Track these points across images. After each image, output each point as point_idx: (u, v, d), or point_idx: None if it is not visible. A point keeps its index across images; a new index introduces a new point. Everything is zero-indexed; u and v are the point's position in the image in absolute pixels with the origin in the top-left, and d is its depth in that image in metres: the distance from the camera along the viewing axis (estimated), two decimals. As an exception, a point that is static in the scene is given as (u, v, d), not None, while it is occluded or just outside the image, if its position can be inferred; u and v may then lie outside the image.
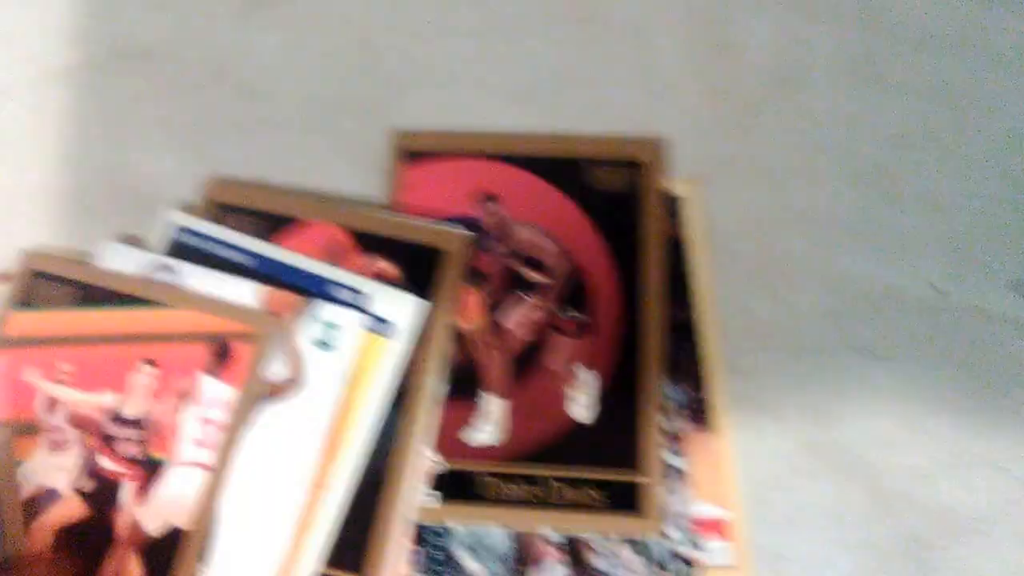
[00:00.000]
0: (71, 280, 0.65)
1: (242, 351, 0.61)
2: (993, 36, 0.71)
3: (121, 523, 0.60)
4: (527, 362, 0.65)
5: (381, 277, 0.64)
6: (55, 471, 0.62)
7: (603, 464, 0.62)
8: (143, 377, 0.62)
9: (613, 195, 0.68)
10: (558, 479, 0.62)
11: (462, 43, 0.73)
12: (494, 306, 0.66)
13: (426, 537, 0.61)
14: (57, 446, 0.62)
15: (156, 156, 0.70)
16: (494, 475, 0.62)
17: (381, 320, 0.63)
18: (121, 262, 0.66)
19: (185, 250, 0.66)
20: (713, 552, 0.61)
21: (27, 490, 0.62)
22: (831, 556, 0.61)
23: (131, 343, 0.63)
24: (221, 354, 0.62)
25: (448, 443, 0.63)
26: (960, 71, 0.70)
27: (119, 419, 0.62)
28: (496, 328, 0.65)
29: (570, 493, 0.62)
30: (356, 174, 0.69)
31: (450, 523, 0.61)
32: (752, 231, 0.68)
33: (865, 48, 0.71)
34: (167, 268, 0.65)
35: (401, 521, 0.60)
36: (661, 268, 0.66)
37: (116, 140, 0.72)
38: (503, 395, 0.64)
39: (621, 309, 0.65)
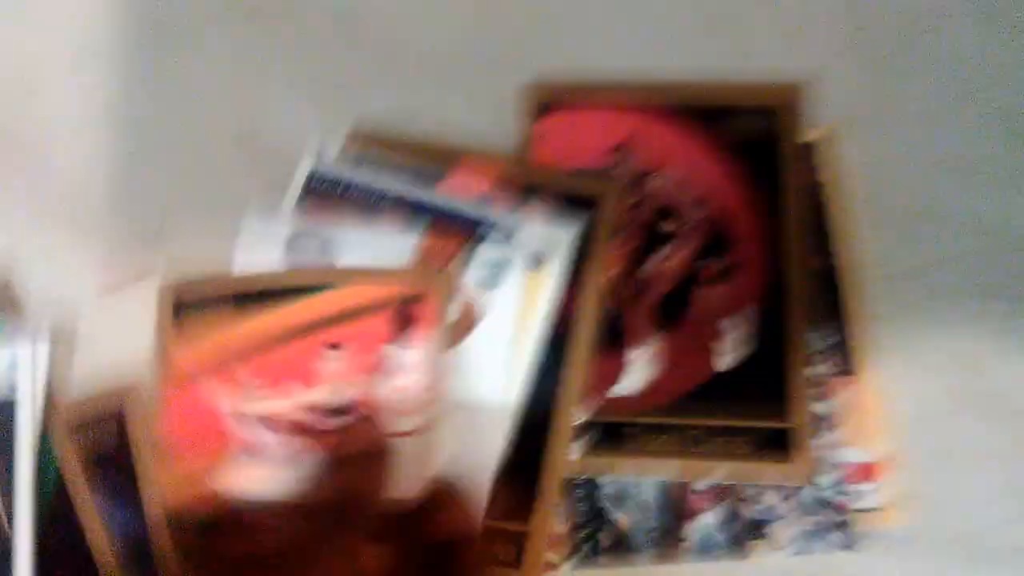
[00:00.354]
0: (223, 297, 0.63)
1: (421, 312, 0.61)
2: None
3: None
4: (671, 311, 0.64)
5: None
6: (273, 484, 0.61)
7: (750, 411, 0.62)
8: (333, 363, 0.61)
9: (753, 141, 0.66)
10: (705, 428, 0.62)
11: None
12: (632, 257, 0.65)
13: (571, 491, 0.62)
14: (275, 461, 0.61)
15: (286, 115, 0.70)
16: (641, 424, 0.63)
17: (538, 257, 0.63)
18: (263, 235, 0.65)
19: (328, 201, 0.66)
20: (863, 496, 0.61)
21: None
22: (981, 499, 0.61)
23: (307, 334, 0.61)
24: (402, 320, 0.61)
25: (594, 394, 0.63)
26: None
27: (326, 411, 0.61)
28: (635, 279, 0.65)
29: (717, 441, 0.62)
30: (487, 127, 0.68)
31: (597, 475, 0.62)
32: (895, 177, 0.66)
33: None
34: (313, 234, 0.65)
35: (562, 470, 0.61)
36: (804, 214, 0.65)
37: (242, 102, 0.71)
38: (644, 346, 0.64)
39: (764, 256, 0.64)
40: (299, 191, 0.66)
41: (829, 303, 0.64)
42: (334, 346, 0.61)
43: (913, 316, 0.65)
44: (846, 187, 0.66)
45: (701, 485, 0.62)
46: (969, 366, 0.63)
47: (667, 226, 0.66)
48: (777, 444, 0.62)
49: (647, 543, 0.61)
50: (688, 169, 0.66)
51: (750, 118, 0.67)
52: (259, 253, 0.65)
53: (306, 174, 0.67)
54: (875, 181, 0.66)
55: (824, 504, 0.61)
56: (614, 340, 0.64)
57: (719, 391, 0.63)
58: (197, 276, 0.63)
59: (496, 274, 0.63)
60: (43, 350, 0.63)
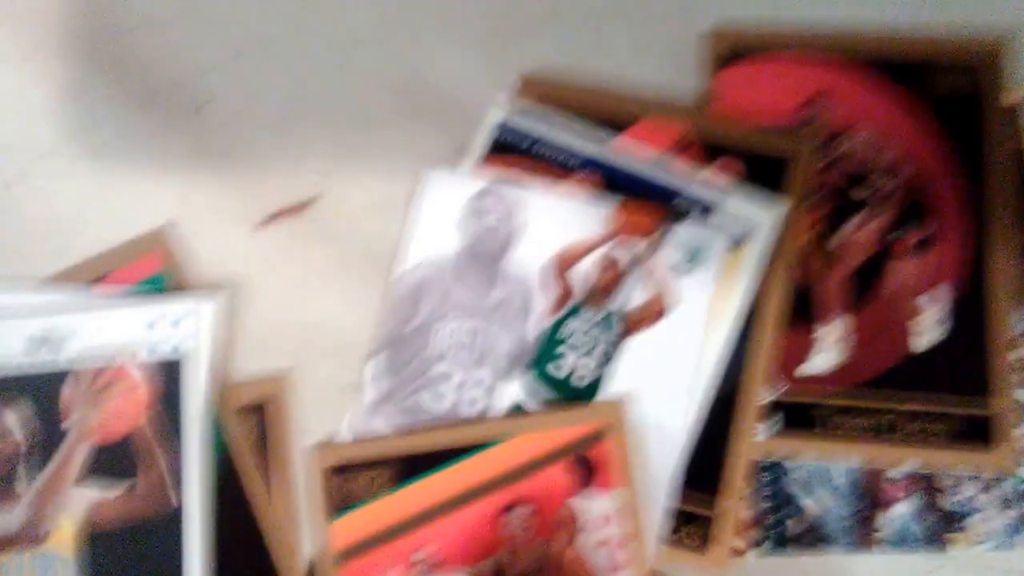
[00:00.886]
0: (383, 461, 0.56)
1: (603, 452, 0.56)
2: None
3: None
4: (863, 285, 0.60)
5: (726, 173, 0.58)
6: None
7: (950, 394, 0.58)
8: (516, 522, 0.55)
9: (954, 102, 0.61)
10: (900, 410, 0.58)
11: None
12: (824, 224, 0.60)
13: (758, 475, 0.58)
14: None
15: (449, 65, 0.64)
16: (830, 406, 0.58)
17: (738, 236, 0.58)
18: (447, 189, 0.59)
19: (514, 157, 0.60)
20: (1073, 491, 0.57)
21: None
22: None
23: (481, 497, 0.55)
24: (582, 467, 0.56)
25: (780, 373, 0.59)
26: None
27: None
28: (825, 250, 0.60)
29: (914, 425, 0.58)
30: (665, 76, 0.63)
31: (785, 458, 0.58)
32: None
33: None
34: (499, 193, 0.59)
35: (748, 453, 0.57)
36: (1009, 183, 0.59)
37: (404, 49, 0.65)
38: (839, 320, 0.59)
39: (966, 225, 0.59)
40: (486, 143, 0.61)
41: (1037, 280, 0.59)
42: (511, 507, 0.55)
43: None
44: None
45: (896, 473, 0.57)
46: None
47: (860, 193, 0.60)
48: (977, 431, 0.58)
49: (838, 532, 0.57)
50: (883, 130, 0.61)
51: (951, 76, 0.61)
52: (439, 209, 0.60)
53: (495, 125, 0.61)
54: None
55: (1028, 496, 0.57)
56: (802, 315, 0.59)
57: (914, 373, 0.58)
58: (357, 441, 0.57)
59: (694, 258, 0.58)
60: (210, 309, 0.58)
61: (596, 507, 0.55)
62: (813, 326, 0.59)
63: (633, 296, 0.57)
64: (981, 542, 0.57)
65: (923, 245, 0.60)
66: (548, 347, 0.57)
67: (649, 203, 0.59)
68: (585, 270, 0.58)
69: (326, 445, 0.57)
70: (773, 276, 0.58)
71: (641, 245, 0.57)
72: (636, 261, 0.57)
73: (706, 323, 0.57)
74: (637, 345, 0.57)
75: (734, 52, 0.62)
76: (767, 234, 0.58)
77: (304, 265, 0.61)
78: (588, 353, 0.57)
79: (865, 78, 0.61)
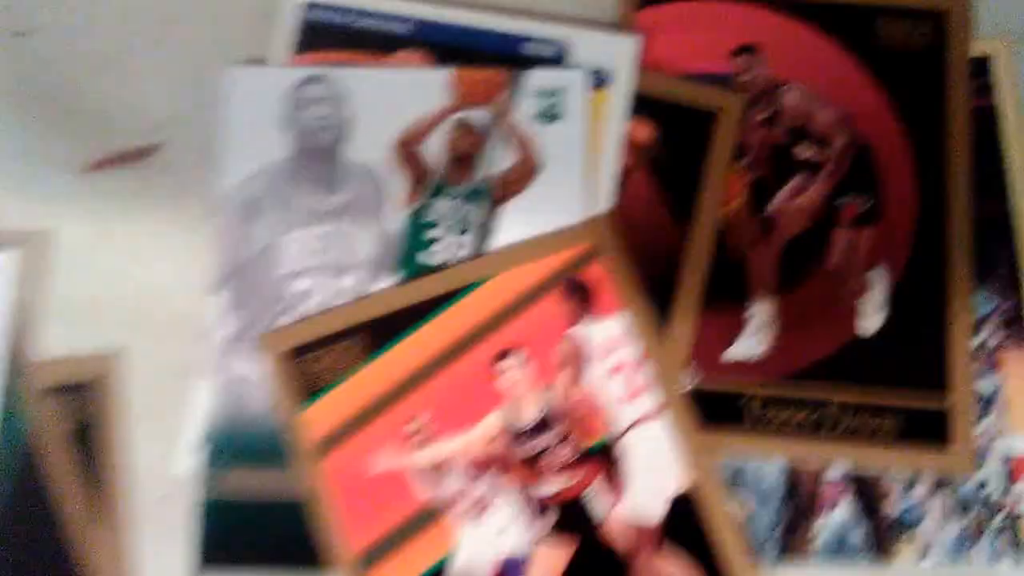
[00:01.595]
0: (347, 332, 0.50)
1: (595, 272, 0.50)
2: None
3: (618, 536, 0.48)
4: (800, 259, 0.52)
5: (634, 143, 0.51)
6: (497, 540, 0.49)
7: (898, 384, 0.50)
8: (512, 372, 0.49)
9: (908, 53, 0.53)
10: (841, 403, 0.50)
11: None
12: (757, 189, 0.52)
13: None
14: (477, 512, 0.49)
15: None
16: (760, 397, 0.50)
17: (601, 74, 0.52)
18: (253, 91, 0.53)
19: (322, 36, 0.54)
20: (1037, 497, 0.49)
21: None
22: None
23: (468, 349, 0.50)
24: (577, 292, 0.50)
25: (705, 358, 0.51)
26: None
27: (522, 434, 0.49)
28: (761, 217, 0.52)
29: (856, 419, 0.50)
30: (577, 16, 0.55)
31: (711, 454, 0.50)
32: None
33: None
34: (322, 80, 0.52)
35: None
36: (967, 144, 0.52)
37: None
38: (770, 298, 0.51)
39: (917, 193, 0.52)
40: (293, 30, 0.53)
41: (999, 257, 0.52)
42: (504, 354, 0.50)
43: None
44: (1022, 114, 0.53)
45: (835, 473, 0.50)
46: None
47: (802, 152, 0.53)
48: (930, 427, 0.50)
49: (765, 540, 0.49)
50: (830, 82, 0.53)
51: (905, 23, 0.54)
52: (253, 111, 0.52)
53: (300, 6, 0.54)
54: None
55: (985, 503, 0.49)
56: (732, 292, 0.51)
57: (859, 361, 0.51)
58: (307, 318, 0.51)
59: (555, 106, 0.51)
60: (8, 261, 0.50)
61: (600, 333, 0.49)
62: (744, 304, 0.51)
63: (497, 161, 0.51)
64: (930, 554, 0.49)
65: (872, 214, 0.52)
66: (415, 236, 0.51)
67: (490, 62, 0.52)
68: (438, 144, 0.52)
69: (277, 329, 0.50)
70: (693, 240, 0.51)
71: (495, 104, 0.51)
72: (492, 122, 0.51)
73: (581, 174, 0.51)
74: (514, 213, 0.51)
75: (652, -7, 0.54)
76: (627, 69, 0.52)
77: (138, 223, 0.52)
78: (462, 232, 0.51)
79: (808, 26, 0.54)
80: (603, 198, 0.52)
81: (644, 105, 0.52)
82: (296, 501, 0.49)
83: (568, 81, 0.52)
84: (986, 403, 0.50)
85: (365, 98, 0.52)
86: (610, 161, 0.52)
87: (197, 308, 0.51)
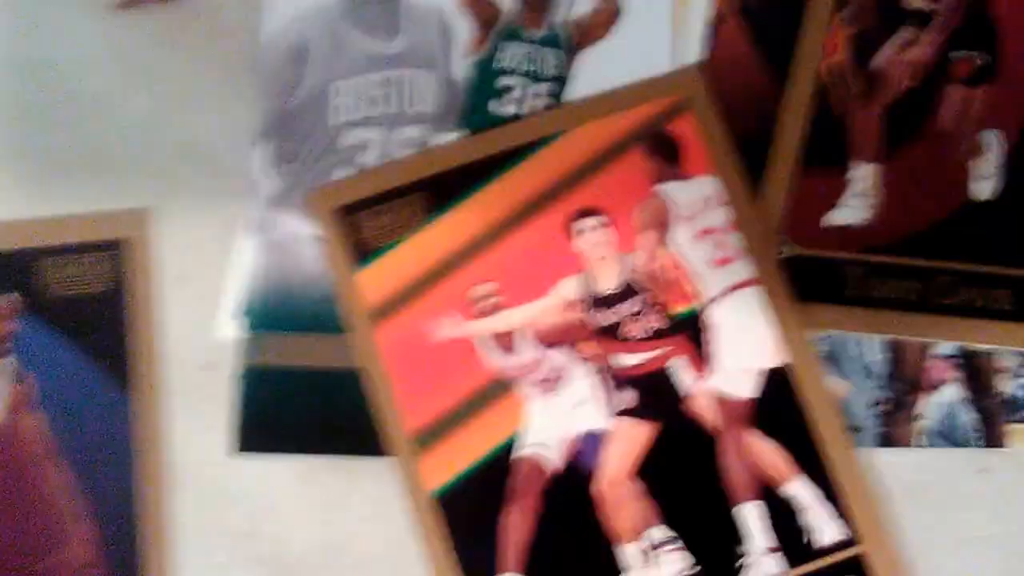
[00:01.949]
0: (407, 189, 0.45)
1: (683, 127, 0.45)
2: None
3: (704, 410, 0.45)
4: (908, 118, 0.47)
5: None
6: (573, 413, 0.45)
7: (1013, 255, 0.46)
8: (592, 235, 0.45)
9: None
10: (950, 273, 0.46)
11: None
12: (863, 41, 0.47)
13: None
14: (551, 384, 0.45)
15: None
16: (864, 265, 0.46)
17: None
18: None
19: None
20: None
21: (556, 456, 0.45)
22: None
23: (543, 209, 0.45)
24: (664, 148, 0.46)
25: (803, 225, 0.46)
26: None
27: (601, 302, 0.45)
28: (866, 72, 0.47)
29: (966, 292, 0.46)
30: None
31: (808, 328, 0.45)
32: None
33: None
34: None
35: None
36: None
37: None
38: (876, 160, 0.46)
39: (1047, 52, 0.47)
40: None
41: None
42: (586, 212, 0.45)
43: None
44: None
45: (945, 349, 0.45)
46: None
47: (911, 1, 0.48)
48: (1047, 300, 0.45)
49: (868, 421, 0.45)
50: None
51: None
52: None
53: None
54: None
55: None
56: (833, 153, 0.47)
57: (973, 228, 0.46)
58: (362, 172, 0.46)
59: None
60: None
61: (688, 193, 0.45)
62: (847, 165, 0.47)
63: (577, 2, 0.47)
64: (1046, 437, 0.45)
65: (987, 71, 0.47)
66: (485, 82, 0.47)
67: None
68: None
69: (329, 184, 0.46)
70: (790, 92, 0.46)
71: None
72: None
73: (668, 19, 0.47)
74: (594, 59, 0.47)
75: None
76: None
77: (172, 69, 0.47)
78: (537, 79, 0.46)
79: None
80: (692, 46, 0.47)
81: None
82: (347, 373, 0.45)
83: None
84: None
85: None
86: (701, 5, 0.46)
87: (239, 163, 0.46)
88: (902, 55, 0.48)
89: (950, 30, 0.48)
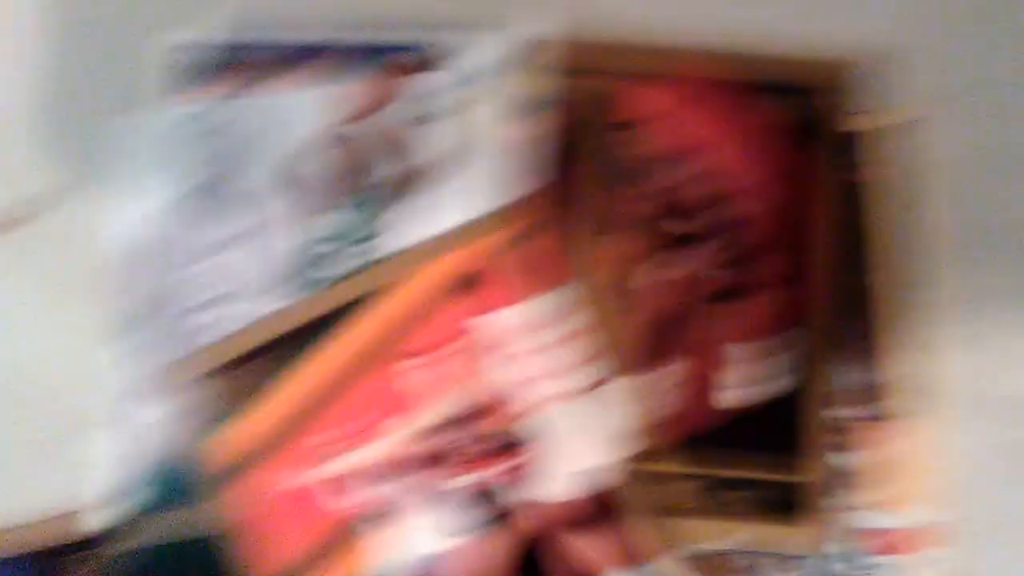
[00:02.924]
0: (247, 355, 0.52)
1: (492, 265, 0.52)
2: None
3: (537, 518, 0.50)
4: (666, 334, 0.53)
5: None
6: (416, 540, 0.50)
7: (755, 460, 0.52)
8: (416, 374, 0.51)
9: (785, 128, 0.54)
10: (700, 477, 0.52)
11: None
12: (629, 263, 0.54)
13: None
14: (394, 515, 0.50)
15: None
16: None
17: (476, 71, 0.54)
18: (137, 137, 0.54)
19: (198, 74, 0.55)
20: (888, 571, 0.51)
21: None
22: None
23: (374, 358, 0.51)
24: (474, 286, 0.51)
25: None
26: None
27: (431, 435, 0.51)
28: (629, 291, 0.54)
29: (714, 494, 0.52)
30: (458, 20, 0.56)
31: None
32: (965, 174, 0.54)
33: None
34: (199, 115, 0.53)
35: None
36: (840, 221, 0.53)
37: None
38: (635, 372, 0.53)
39: (783, 269, 0.53)
40: (171, 71, 0.55)
41: (863, 331, 0.53)
42: (412, 354, 0.51)
43: (972, 347, 0.53)
44: (898, 188, 0.54)
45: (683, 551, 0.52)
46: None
47: (676, 226, 0.54)
48: (783, 499, 0.51)
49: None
50: (706, 157, 0.54)
51: (784, 99, 0.55)
52: (139, 156, 0.54)
53: (176, 47, 0.55)
54: (937, 180, 0.53)
55: None
56: (601, 363, 0.53)
57: (720, 434, 0.52)
58: (208, 348, 0.52)
59: (434, 105, 0.53)
60: None
61: (503, 322, 0.51)
62: (607, 379, 0.53)
63: (385, 169, 0.53)
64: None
65: (742, 289, 0.53)
66: (310, 253, 0.53)
67: (369, 70, 0.53)
68: (327, 160, 0.53)
69: (180, 361, 0.52)
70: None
71: (380, 114, 0.53)
72: (378, 132, 0.53)
73: (471, 166, 0.53)
74: (406, 216, 0.53)
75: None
76: (501, 63, 0.53)
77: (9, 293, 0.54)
78: (354, 242, 0.53)
79: (681, 101, 0.55)
80: (492, 197, 0.53)
81: (522, 107, 0.54)
82: (209, 538, 0.50)
83: (447, 85, 0.53)
84: (840, 476, 0.52)
85: (247, 127, 0.54)
86: (495, 159, 0.53)
87: (75, 380, 0.53)
88: (663, 277, 0.54)
89: (705, 255, 0.54)
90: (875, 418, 0.52)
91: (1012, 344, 0.53)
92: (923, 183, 0.54)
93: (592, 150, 0.54)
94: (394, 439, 0.50)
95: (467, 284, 0.52)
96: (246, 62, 0.55)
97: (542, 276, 0.52)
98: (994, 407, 0.53)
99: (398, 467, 0.50)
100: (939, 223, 0.54)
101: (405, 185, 0.53)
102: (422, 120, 0.53)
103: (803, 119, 0.54)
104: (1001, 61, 0.55)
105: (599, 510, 0.50)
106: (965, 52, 0.55)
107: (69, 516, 0.52)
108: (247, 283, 0.53)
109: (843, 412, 0.52)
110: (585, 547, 0.49)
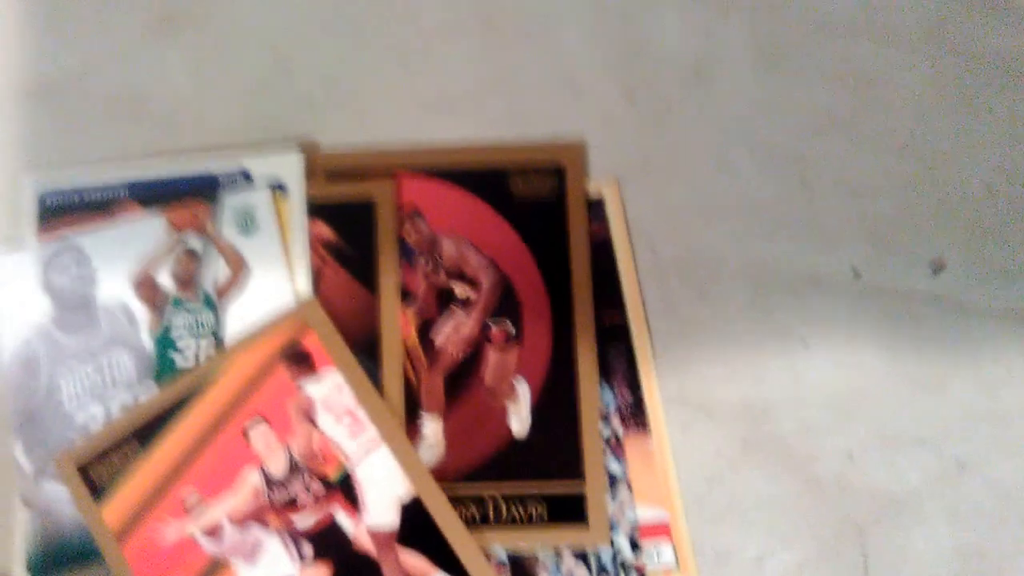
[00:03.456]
0: (123, 438, 0.62)
1: (311, 341, 0.63)
2: (886, 15, 0.72)
3: (367, 545, 0.60)
4: (462, 378, 0.64)
5: (324, 242, 0.65)
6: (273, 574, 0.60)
7: (546, 476, 0.62)
8: (259, 436, 0.61)
9: (537, 201, 0.67)
10: (502, 496, 0.61)
11: (375, 57, 0.71)
12: (426, 324, 0.64)
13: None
14: (253, 556, 0.60)
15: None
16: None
17: (279, 183, 0.66)
18: (11, 272, 0.65)
19: (58, 213, 0.67)
20: (657, 555, 0.61)
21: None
22: (773, 548, 0.62)
23: (223, 425, 0.62)
24: (299, 358, 0.63)
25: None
26: (861, 52, 0.71)
27: (277, 482, 0.61)
28: (428, 346, 0.64)
29: (515, 509, 0.61)
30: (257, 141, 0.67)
31: (395, 549, 0.60)
32: (673, 227, 0.68)
33: (771, 37, 0.71)
34: (68, 248, 0.65)
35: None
36: (588, 271, 0.65)
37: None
38: (439, 414, 0.63)
39: (551, 315, 0.65)
40: (35, 212, 0.66)
41: (619, 359, 0.65)
42: (251, 422, 0.62)
43: (700, 364, 0.65)
44: (627, 241, 0.67)
45: (500, 554, 0.61)
46: (752, 414, 0.65)
47: (458, 291, 0.65)
48: (574, 508, 0.62)
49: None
50: (477, 232, 0.66)
51: (533, 178, 0.67)
52: (15, 288, 0.65)
53: (39, 193, 0.67)
54: (654, 233, 0.67)
55: (621, 566, 0.61)
56: (410, 410, 0.63)
57: (516, 457, 0.63)
58: (90, 435, 0.63)
59: (249, 217, 0.65)
60: None
61: (323, 386, 0.62)
62: (420, 420, 0.63)
63: (216, 273, 0.64)
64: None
65: (513, 337, 0.64)
66: (165, 349, 0.64)
67: (194, 197, 0.66)
68: (169, 271, 0.65)
69: (67, 450, 0.62)
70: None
71: (204, 230, 0.65)
72: (205, 245, 0.65)
73: (286, 262, 0.65)
74: (239, 309, 0.64)
75: (332, 174, 0.67)
76: (297, 181, 0.66)
77: None
78: (201, 336, 0.64)
79: (456, 188, 0.67)
80: (306, 286, 0.64)
81: (322, 210, 0.66)
82: None
83: (257, 199, 0.65)
84: (615, 482, 0.62)
85: (103, 252, 0.65)
86: (304, 255, 0.65)
87: None
88: (454, 332, 0.65)
89: (486, 311, 0.65)
90: (637, 430, 0.64)
91: (731, 360, 0.66)
92: (637, 235, 0.67)
93: (387, 234, 0.65)
94: (248, 491, 0.61)
95: (296, 356, 0.63)
96: (94, 199, 0.66)
97: (355, 343, 0.63)
98: (726, 411, 0.65)
99: (254, 514, 0.60)
100: (656, 265, 0.67)
101: (236, 285, 0.64)
102: (242, 229, 0.65)
103: (554, 192, 0.67)
104: (661, 147, 0.70)
105: (421, 529, 0.60)
106: (640, 141, 0.70)
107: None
108: (124, 376, 0.64)
109: (612, 427, 0.64)
110: (413, 560, 0.59)
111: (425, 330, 0.64)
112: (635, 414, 0.64)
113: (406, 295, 0.64)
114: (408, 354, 0.64)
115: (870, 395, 0.65)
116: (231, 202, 0.65)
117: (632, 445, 0.63)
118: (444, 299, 0.65)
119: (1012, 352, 0.66)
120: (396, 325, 0.63)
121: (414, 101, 0.69)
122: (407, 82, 0.70)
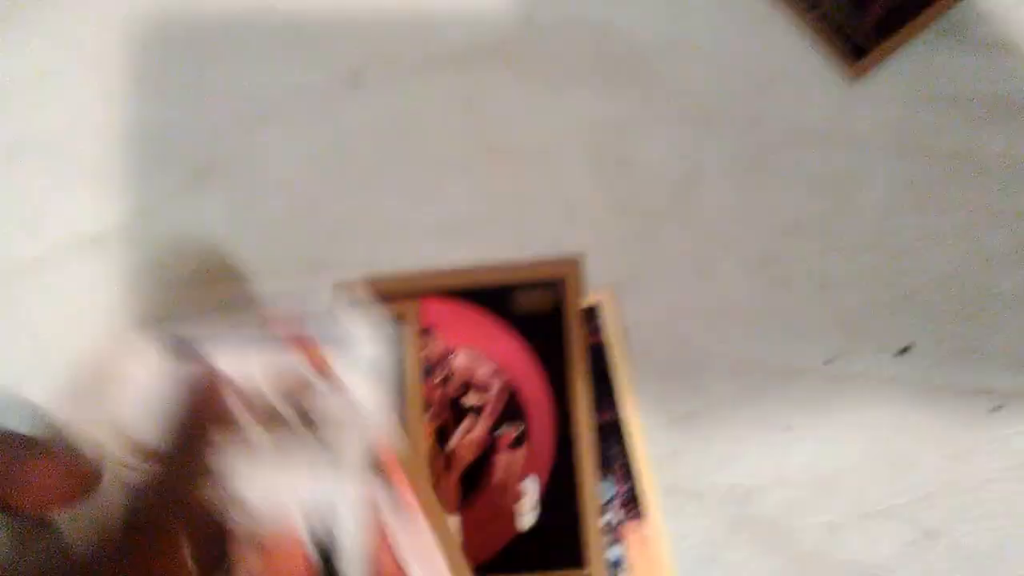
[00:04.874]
0: None
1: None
2: (850, 123, 0.78)
3: None
4: (474, 479, 0.72)
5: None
6: None
7: (551, 567, 0.70)
8: None
9: (539, 312, 0.75)
10: (505, 587, 0.70)
11: (388, 192, 0.79)
12: (440, 433, 0.73)
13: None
14: None
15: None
16: (455, 587, 0.70)
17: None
18: None
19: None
20: (656, 632, 0.69)
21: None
22: (760, 619, 0.70)
23: None
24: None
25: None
26: (832, 157, 0.77)
27: None
28: (444, 453, 0.73)
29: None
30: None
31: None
32: (662, 330, 0.75)
33: (749, 148, 0.78)
34: None
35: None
36: (586, 375, 0.73)
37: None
38: (454, 514, 0.71)
39: (554, 417, 0.73)
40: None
41: (616, 453, 0.73)
42: None
43: (692, 454, 0.73)
44: (621, 345, 0.74)
45: (513, 638, 0.69)
46: (740, 497, 0.72)
47: (468, 400, 0.73)
48: (578, 593, 0.70)
49: None
50: (484, 344, 0.74)
51: (534, 292, 0.75)
52: None
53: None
54: (646, 337, 0.75)
55: (623, 641, 0.69)
56: (428, 512, 0.71)
57: (523, 550, 0.70)
58: None
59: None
60: None
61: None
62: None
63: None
64: None
65: (522, 438, 0.73)
66: None
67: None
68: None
69: None
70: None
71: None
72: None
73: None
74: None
75: (352, 304, 0.75)
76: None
77: None
78: None
79: (459, 306, 0.75)
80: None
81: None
82: None
83: (368, 349, 0.64)
84: (615, 567, 0.71)
85: None
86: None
87: None
88: (465, 438, 0.74)
89: (495, 416, 0.74)
90: (635, 517, 0.72)
91: (719, 447, 0.74)
92: (630, 339, 0.75)
93: (413, 354, 0.73)
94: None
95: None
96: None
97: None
98: (716, 496, 0.73)
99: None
100: (649, 364, 0.75)
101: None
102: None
103: (554, 302, 0.75)
104: (651, 256, 0.77)
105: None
106: (631, 251, 0.77)
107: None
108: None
109: (612, 516, 0.72)
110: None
111: (441, 437, 0.73)
112: (632, 503, 0.72)
113: (428, 407, 0.73)
114: (431, 460, 0.72)
115: (849, 471, 0.72)
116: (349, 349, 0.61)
117: (630, 531, 0.71)
118: (455, 408, 0.73)
119: (978, 424, 0.73)
120: (421, 435, 0.72)
121: (422, 229, 0.77)
122: (417, 212, 0.78)
